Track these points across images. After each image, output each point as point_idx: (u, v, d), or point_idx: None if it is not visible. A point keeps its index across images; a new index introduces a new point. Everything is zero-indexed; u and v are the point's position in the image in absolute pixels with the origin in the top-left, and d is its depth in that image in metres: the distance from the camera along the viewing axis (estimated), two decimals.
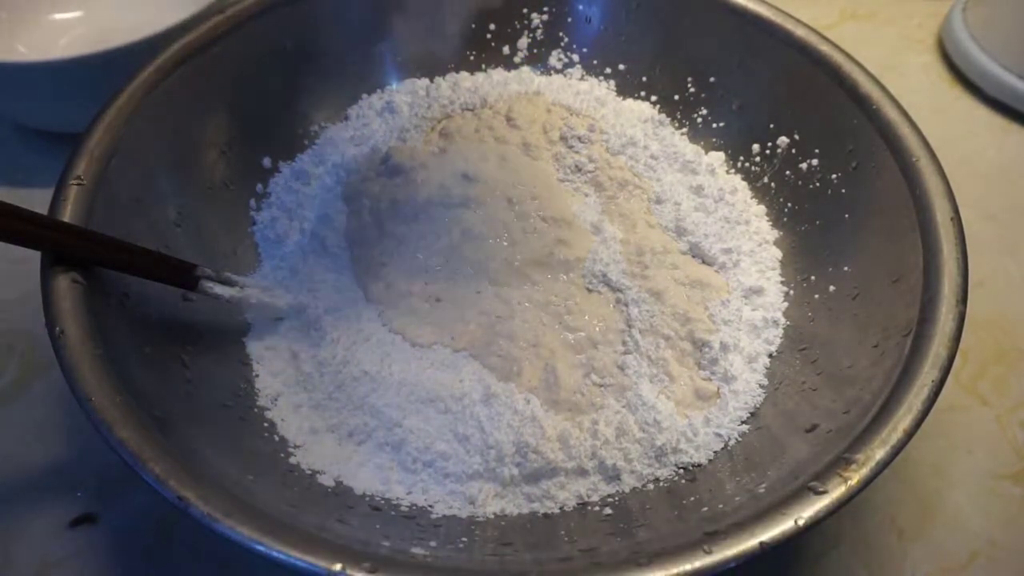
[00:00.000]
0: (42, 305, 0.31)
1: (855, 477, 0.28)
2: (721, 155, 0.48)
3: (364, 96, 0.51)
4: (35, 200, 0.35)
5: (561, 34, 0.53)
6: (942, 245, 0.35)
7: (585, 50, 0.53)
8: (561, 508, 0.35)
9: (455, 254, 0.41)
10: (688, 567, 0.26)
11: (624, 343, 0.39)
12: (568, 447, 0.36)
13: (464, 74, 0.52)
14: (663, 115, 0.51)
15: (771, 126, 0.46)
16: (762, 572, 0.36)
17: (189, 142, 0.43)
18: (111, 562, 0.36)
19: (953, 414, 0.42)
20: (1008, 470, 0.40)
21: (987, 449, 0.41)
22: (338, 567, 0.26)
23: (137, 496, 0.38)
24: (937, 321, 0.33)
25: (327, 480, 0.35)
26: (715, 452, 0.36)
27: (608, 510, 0.34)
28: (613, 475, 0.35)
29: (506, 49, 0.53)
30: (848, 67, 0.42)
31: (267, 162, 0.47)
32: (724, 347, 0.39)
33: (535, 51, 0.53)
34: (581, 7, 0.52)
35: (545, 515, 0.34)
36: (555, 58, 0.53)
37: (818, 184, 0.44)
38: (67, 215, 0.34)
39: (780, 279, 0.43)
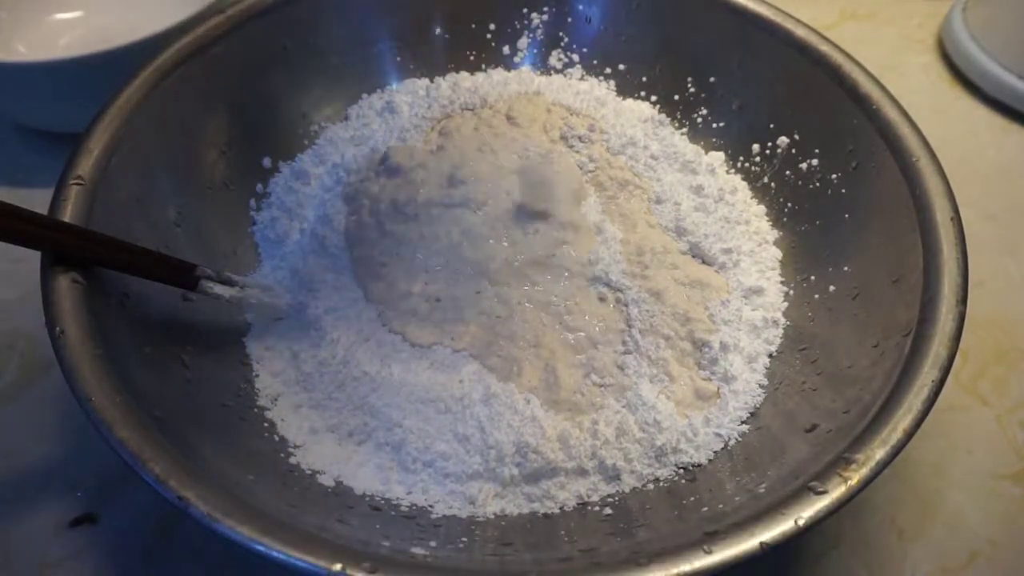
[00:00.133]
0: (42, 305, 0.31)
1: (855, 477, 0.28)
2: (721, 155, 0.48)
3: (364, 96, 0.51)
4: (35, 200, 0.35)
5: (561, 34, 0.53)
6: (942, 245, 0.35)
7: (585, 50, 0.53)
8: (561, 508, 0.35)
9: (455, 254, 0.41)
10: (688, 567, 0.26)
11: (624, 343, 0.39)
12: (568, 447, 0.36)
13: (464, 74, 0.52)
14: (663, 115, 0.51)
15: (771, 126, 0.46)
16: (762, 572, 0.36)
17: (189, 142, 0.43)
18: (111, 562, 0.36)
19: (953, 414, 0.42)
20: (1008, 470, 0.40)
21: (987, 449, 0.41)
22: (338, 567, 0.26)
23: (137, 496, 0.38)
24: (937, 321, 0.33)
25: (327, 480, 0.35)
26: (715, 452, 0.36)
27: (608, 510, 0.34)
28: (613, 475, 0.35)
29: (506, 49, 0.53)
30: (848, 67, 0.43)
31: (267, 162, 0.47)
32: (724, 347, 0.39)
33: (535, 51, 0.53)
34: (581, 7, 0.52)
35: (545, 515, 0.34)
36: (555, 58, 0.53)
37: (818, 184, 0.44)
38: (67, 215, 0.34)
39: (780, 279, 0.43)
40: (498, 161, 0.45)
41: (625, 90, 0.52)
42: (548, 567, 0.28)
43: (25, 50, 0.57)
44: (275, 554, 0.26)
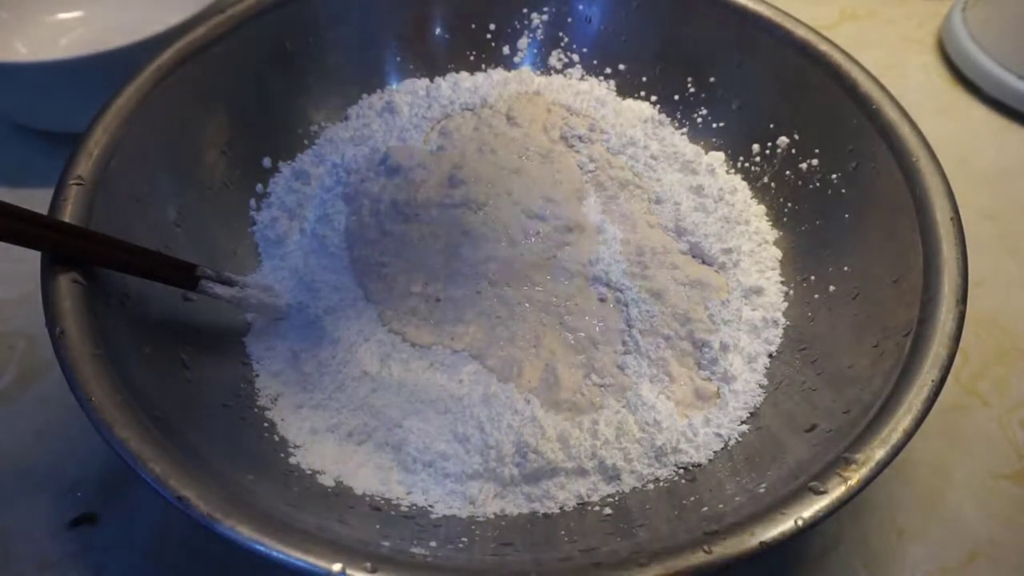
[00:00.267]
0: (42, 305, 0.31)
1: (855, 477, 0.28)
2: (721, 155, 0.48)
3: (364, 96, 0.51)
4: (35, 200, 0.35)
5: (561, 34, 0.53)
6: (942, 245, 0.35)
7: (585, 50, 0.53)
8: (561, 508, 0.35)
9: (455, 254, 0.41)
10: (688, 567, 0.26)
11: (624, 343, 0.39)
12: (568, 447, 0.36)
13: (464, 74, 0.52)
14: (663, 115, 0.51)
15: (771, 126, 0.46)
16: (762, 572, 0.36)
17: (189, 142, 0.43)
18: (111, 562, 0.36)
19: (953, 414, 0.42)
20: (1008, 470, 0.40)
21: (987, 449, 0.41)
22: (338, 567, 0.26)
23: (137, 496, 0.38)
24: (937, 321, 0.33)
25: (327, 480, 0.35)
26: (715, 452, 0.36)
27: (608, 510, 0.34)
28: (613, 475, 0.35)
29: (506, 49, 0.53)
30: (848, 67, 0.43)
31: (267, 162, 0.47)
32: (724, 347, 0.39)
33: (535, 51, 0.53)
34: (581, 7, 0.52)
35: (545, 515, 0.34)
36: (555, 58, 0.53)
37: (818, 184, 0.44)
38: (67, 215, 0.34)
39: (780, 279, 0.43)
40: (498, 161, 0.45)
41: (625, 90, 0.52)
42: (548, 567, 0.28)
43: (25, 50, 0.57)
44: (275, 554, 0.26)
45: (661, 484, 0.35)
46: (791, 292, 0.42)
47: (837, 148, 0.43)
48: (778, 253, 0.44)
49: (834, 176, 0.43)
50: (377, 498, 0.34)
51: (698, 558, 0.26)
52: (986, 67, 0.57)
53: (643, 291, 0.41)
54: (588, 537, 0.32)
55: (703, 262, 0.43)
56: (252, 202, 0.46)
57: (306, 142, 0.49)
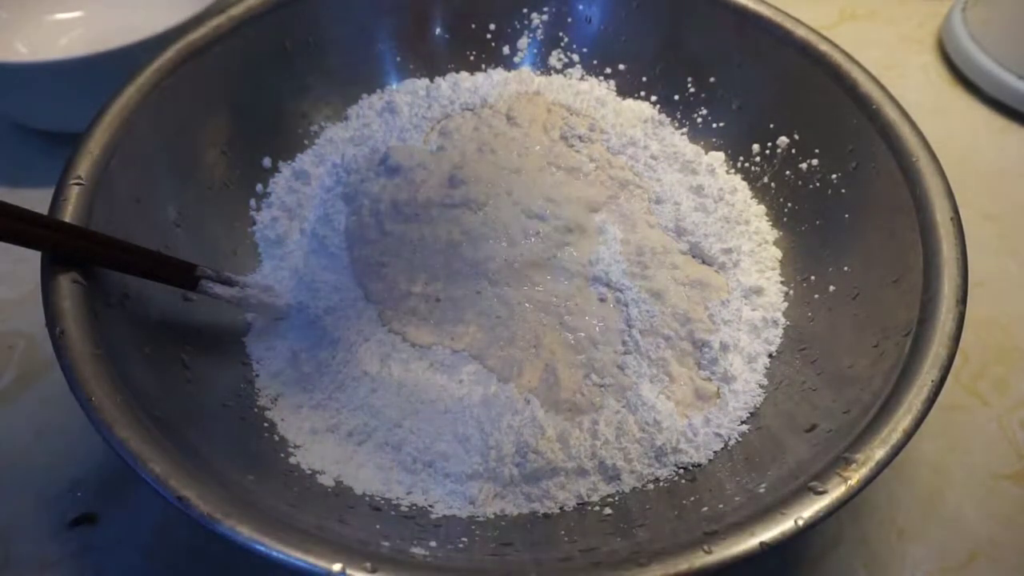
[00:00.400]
0: (42, 305, 0.31)
1: (855, 477, 0.28)
2: (721, 155, 0.48)
3: (364, 96, 0.51)
4: (35, 200, 0.35)
5: (561, 34, 0.53)
6: (942, 245, 0.35)
7: (585, 50, 0.53)
8: (561, 508, 0.35)
9: (455, 254, 0.41)
10: (688, 567, 0.26)
11: (624, 343, 0.39)
12: (568, 447, 0.36)
13: (464, 74, 0.52)
14: (663, 115, 0.51)
15: (771, 126, 0.46)
16: (762, 572, 0.36)
17: (189, 142, 0.43)
18: (111, 562, 0.36)
19: (953, 414, 0.42)
20: (1008, 470, 0.40)
21: (987, 449, 0.41)
22: (338, 567, 0.26)
23: (137, 496, 0.38)
24: (937, 321, 0.33)
25: (327, 480, 0.35)
26: (715, 452, 0.36)
27: (608, 510, 0.34)
28: (613, 475, 0.35)
29: (506, 49, 0.53)
30: (848, 67, 0.43)
31: (267, 162, 0.47)
32: (724, 347, 0.39)
33: (535, 51, 0.53)
34: (581, 7, 0.52)
35: (545, 515, 0.34)
36: (555, 58, 0.53)
37: (818, 184, 0.44)
38: (67, 215, 0.34)
39: (780, 279, 0.43)
40: (498, 161, 0.45)
41: (625, 90, 0.52)
42: (548, 567, 0.28)
43: (25, 50, 0.57)
44: (275, 554, 0.26)
45: (661, 484, 0.35)
46: (791, 292, 0.42)
47: (837, 148, 0.43)
48: (778, 253, 0.44)
49: (834, 176, 0.43)
50: (377, 498, 0.34)
51: (698, 558, 0.26)
52: (986, 67, 0.57)
53: (643, 291, 0.41)
54: (588, 537, 0.32)
55: (703, 262, 0.43)
56: (252, 202, 0.46)
57: (306, 142, 0.49)
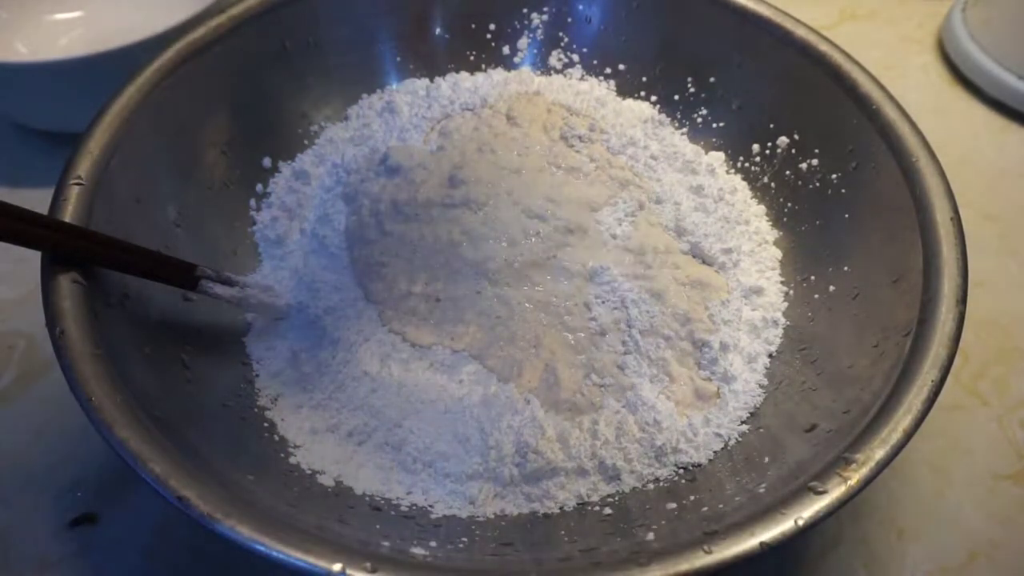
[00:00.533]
0: (42, 305, 0.31)
1: (855, 477, 0.28)
2: (721, 155, 0.48)
3: (364, 96, 0.51)
4: (35, 200, 0.35)
5: (561, 34, 0.53)
6: (942, 245, 0.35)
7: (585, 50, 0.53)
8: (561, 508, 0.35)
9: (455, 254, 0.41)
10: (688, 567, 0.26)
11: (624, 343, 0.39)
12: (568, 447, 0.36)
13: (464, 74, 0.52)
14: (663, 115, 0.51)
15: (771, 126, 0.46)
16: (762, 572, 0.36)
17: (189, 142, 0.43)
18: (111, 562, 0.36)
19: (953, 414, 0.42)
20: (1008, 470, 0.40)
21: (987, 449, 0.41)
22: (338, 567, 0.26)
23: (137, 496, 0.38)
24: (937, 321, 0.33)
25: (327, 480, 0.35)
26: (715, 452, 0.36)
27: (608, 510, 0.34)
28: (613, 475, 0.35)
29: (506, 49, 0.53)
30: (848, 67, 0.43)
31: (267, 162, 0.47)
32: (724, 347, 0.39)
33: (535, 51, 0.53)
34: (581, 7, 0.52)
35: (545, 515, 0.34)
36: (555, 58, 0.53)
37: (818, 184, 0.44)
38: (67, 215, 0.34)
39: (780, 279, 0.43)
40: (498, 161, 0.45)
41: (625, 90, 0.52)
42: (548, 567, 0.29)
43: (25, 50, 0.57)
44: (275, 554, 0.26)
45: (661, 484, 0.35)
46: (791, 292, 0.42)
47: (837, 148, 0.43)
48: (778, 253, 0.44)
49: (834, 176, 0.43)
50: (377, 498, 0.34)
51: (698, 558, 0.26)
52: (986, 67, 0.57)
53: (643, 291, 0.41)
54: (588, 537, 0.32)
55: (703, 262, 0.43)
56: (252, 202, 0.46)
57: (306, 142, 0.49)
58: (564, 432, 0.36)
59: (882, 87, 0.41)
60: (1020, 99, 0.56)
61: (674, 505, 0.33)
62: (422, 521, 0.33)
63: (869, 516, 0.38)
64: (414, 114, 0.50)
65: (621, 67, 0.52)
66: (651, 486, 0.35)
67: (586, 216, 0.44)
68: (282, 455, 0.35)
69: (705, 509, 0.32)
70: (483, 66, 0.53)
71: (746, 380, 0.39)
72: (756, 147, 0.47)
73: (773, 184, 0.46)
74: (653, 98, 0.51)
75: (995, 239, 0.50)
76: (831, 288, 0.40)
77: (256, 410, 0.37)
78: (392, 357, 0.39)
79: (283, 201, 0.46)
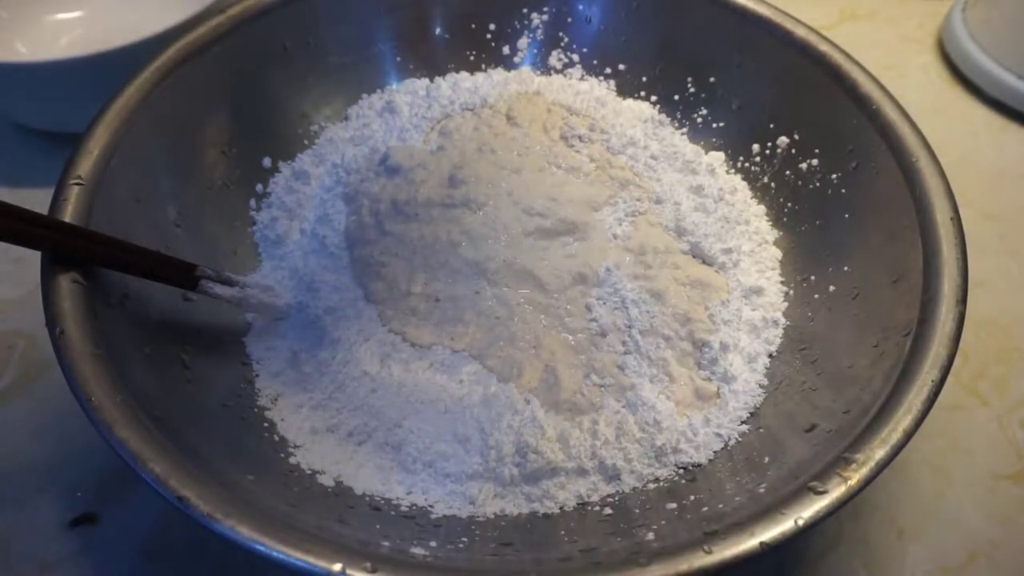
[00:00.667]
0: (42, 305, 0.31)
1: (855, 477, 0.28)
2: (721, 155, 0.48)
3: (364, 96, 0.51)
4: (35, 200, 0.35)
5: (561, 34, 0.53)
6: (942, 245, 0.35)
7: (585, 50, 0.53)
8: (561, 508, 0.35)
9: (455, 254, 0.41)
10: (688, 567, 0.26)
11: (624, 343, 0.39)
12: (568, 447, 0.36)
13: (464, 74, 0.52)
14: (663, 115, 0.51)
15: (771, 126, 0.46)
16: (762, 572, 0.36)
17: (189, 142, 0.43)
18: (111, 562, 0.36)
19: (953, 414, 0.42)
20: (1008, 470, 0.40)
21: (987, 449, 0.41)
22: (338, 567, 0.26)
23: (137, 496, 0.38)
24: (937, 321, 0.33)
25: (327, 480, 0.35)
26: (715, 452, 0.36)
27: (608, 510, 0.34)
28: (613, 475, 0.35)
29: (506, 49, 0.53)
30: (848, 67, 0.43)
31: (267, 162, 0.47)
32: (724, 347, 0.39)
33: (535, 51, 0.53)
34: (581, 7, 0.52)
35: (545, 515, 0.34)
36: (555, 58, 0.53)
37: (818, 184, 0.44)
38: (67, 215, 0.34)
39: (780, 279, 0.43)
40: (498, 161, 0.45)
41: (625, 90, 0.52)
42: (548, 567, 0.29)
43: (25, 50, 0.57)
44: (275, 554, 0.26)
45: (661, 484, 0.35)
46: (791, 292, 0.42)
47: (837, 148, 0.43)
48: (778, 253, 0.44)
49: (834, 176, 0.43)
50: (377, 498, 0.34)
51: (698, 558, 0.26)
52: (986, 67, 0.57)
53: (643, 291, 0.41)
54: (588, 537, 0.32)
55: (703, 262, 0.43)
56: (252, 202, 0.46)
57: (306, 142, 0.49)
58: (564, 432, 0.36)
59: (882, 87, 0.41)
60: (1020, 99, 0.56)
61: (674, 505, 0.33)
62: (422, 521, 0.33)
63: (869, 516, 0.38)
64: (414, 114, 0.50)
65: (621, 67, 0.52)
66: (651, 486, 0.35)
67: (586, 216, 0.44)
68: (282, 455, 0.35)
69: (705, 509, 0.32)
70: (483, 66, 0.53)
71: (746, 380, 0.39)
72: (756, 147, 0.47)
73: (773, 184, 0.46)
74: (653, 98, 0.51)
75: (995, 239, 0.50)
76: (831, 288, 0.40)
77: (256, 410, 0.37)
78: (392, 357, 0.39)
79: (283, 201, 0.46)
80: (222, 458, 0.32)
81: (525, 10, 0.52)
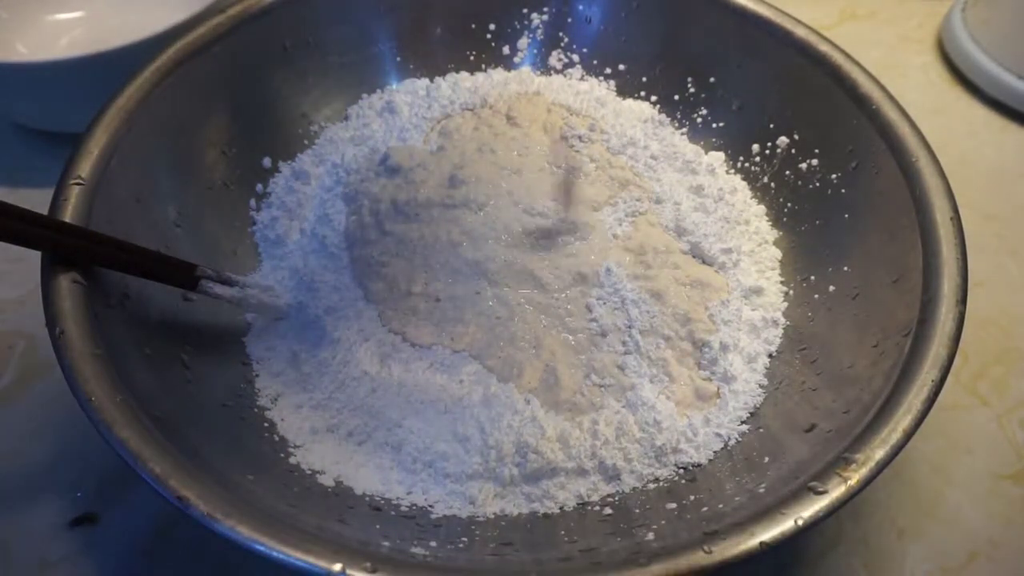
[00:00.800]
0: (42, 305, 0.31)
1: (855, 477, 0.28)
2: (721, 155, 0.48)
3: (364, 96, 0.51)
4: (35, 200, 0.35)
5: (561, 34, 0.53)
6: (942, 245, 0.35)
7: (585, 50, 0.53)
8: (561, 508, 0.35)
9: (455, 254, 0.41)
10: (688, 567, 0.26)
11: (624, 343, 0.39)
12: (568, 447, 0.36)
13: (464, 74, 0.52)
14: (663, 115, 0.51)
15: (771, 126, 0.46)
16: (762, 572, 0.36)
17: (189, 142, 0.43)
18: (111, 562, 0.36)
19: (953, 414, 0.42)
20: (1008, 470, 0.40)
21: (987, 449, 0.41)
22: (338, 567, 0.26)
23: (137, 496, 0.38)
24: (937, 321, 0.33)
25: (327, 480, 0.35)
26: (715, 452, 0.36)
27: (608, 510, 0.34)
28: (613, 475, 0.35)
29: (506, 49, 0.53)
30: (848, 67, 0.43)
31: (267, 162, 0.47)
32: (724, 347, 0.39)
33: (535, 51, 0.53)
34: (581, 7, 0.52)
35: (545, 515, 0.34)
36: (555, 58, 0.53)
37: (818, 184, 0.44)
38: (67, 215, 0.34)
39: (780, 279, 0.43)
40: (498, 161, 0.45)
41: (625, 90, 0.52)
42: (548, 567, 0.29)
43: (25, 50, 0.57)
44: (275, 554, 0.26)
45: (661, 484, 0.35)
46: (791, 292, 0.42)
47: (837, 148, 0.43)
48: (778, 253, 0.44)
49: (834, 176, 0.43)
50: (377, 498, 0.34)
51: (698, 558, 0.26)
52: (986, 67, 0.57)
53: (643, 291, 0.41)
54: (588, 537, 0.32)
55: (703, 262, 0.43)
56: (252, 202, 0.46)
57: (306, 142, 0.49)
58: (564, 432, 0.36)
59: (882, 87, 0.41)
60: (1020, 99, 0.56)
61: (674, 505, 0.33)
62: (422, 521, 0.33)
63: (869, 516, 0.38)
64: (414, 114, 0.50)
65: (621, 67, 0.52)
66: (651, 486, 0.35)
67: (586, 216, 0.44)
68: (282, 455, 0.35)
69: (705, 509, 0.32)
70: (483, 66, 0.53)
71: (746, 380, 0.39)
72: (756, 147, 0.47)
73: (773, 184, 0.46)
74: (653, 98, 0.51)
75: (995, 239, 0.50)
76: (831, 288, 0.40)
77: (256, 410, 0.37)
78: (392, 357, 0.39)
79: (283, 201, 0.46)
80: (222, 458, 0.32)
81: (525, 10, 0.52)
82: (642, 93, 0.51)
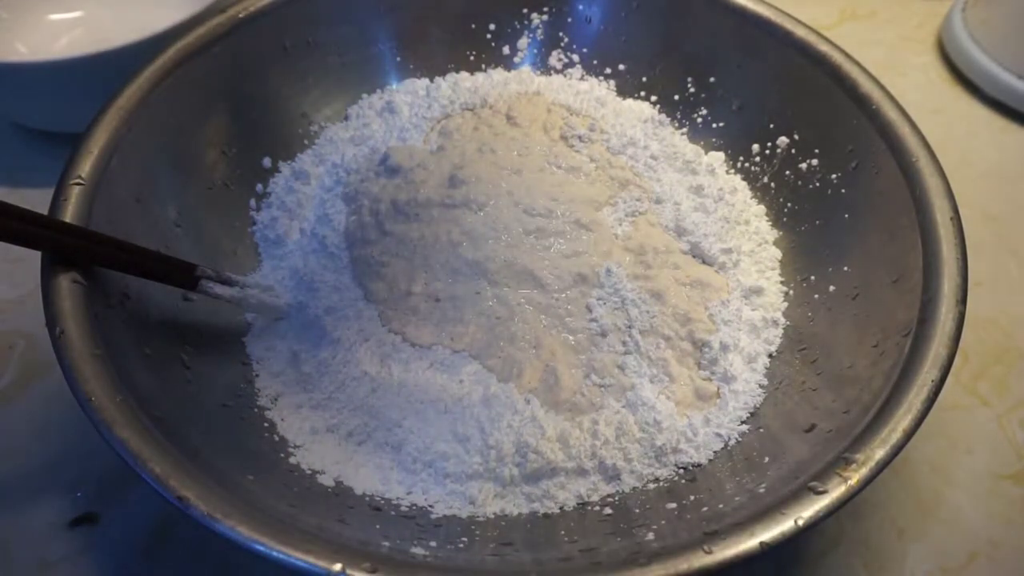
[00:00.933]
0: (42, 305, 0.31)
1: (855, 477, 0.28)
2: (721, 155, 0.48)
3: (364, 96, 0.51)
4: (35, 200, 0.35)
5: (561, 34, 0.53)
6: (942, 245, 0.35)
7: (585, 50, 0.53)
8: (561, 508, 0.35)
9: (455, 254, 0.41)
10: (688, 567, 0.26)
11: (624, 343, 0.39)
12: (568, 447, 0.36)
13: (464, 74, 0.52)
14: (663, 115, 0.51)
15: (771, 126, 0.46)
16: (762, 572, 0.36)
17: (189, 142, 0.43)
18: (111, 562, 0.36)
19: (953, 414, 0.42)
20: (1008, 470, 0.40)
21: (987, 449, 0.41)
22: (338, 567, 0.26)
23: (137, 496, 0.38)
24: (937, 321, 0.33)
25: (327, 480, 0.35)
26: (715, 452, 0.36)
27: (608, 510, 0.34)
28: (613, 475, 0.35)
29: (506, 49, 0.53)
30: (848, 67, 0.43)
31: (267, 162, 0.47)
32: (724, 347, 0.39)
33: (535, 51, 0.53)
34: (581, 7, 0.52)
35: (545, 515, 0.34)
36: (555, 58, 0.53)
37: (818, 184, 0.44)
38: (67, 215, 0.34)
39: (780, 279, 0.43)
40: (498, 161, 0.45)
41: (625, 90, 0.52)
42: (548, 567, 0.29)
43: (25, 50, 0.57)
44: (275, 554, 0.26)
45: (661, 484, 0.35)
46: (791, 292, 0.42)
47: (837, 148, 0.43)
48: (778, 253, 0.44)
49: (834, 176, 0.43)
50: (377, 498, 0.34)
51: (698, 558, 0.26)
52: (986, 67, 0.57)
53: (643, 291, 0.41)
54: (588, 537, 0.32)
55: (703, 262, 0.43)
56: (252, 202, 0.46)
57: (306, 142, 0.49)
58: (564, 432, 0.36)
59: (882, 87, 0.41)
60: (1020, 99, 0.56)
61: (674, 505, 0.33)
62: (422, 521, 0.33)
63: (869, 516, 0.38)
64: (414, 114, 0.50)
65: (621, 67, 0.52)
66: (651, 486, 0.35)
67: (586, 216, 0.44)
68: (282, 455, 0.35)
69: (705, 509, 0.32)
70: (483, 66, 0.53)
71: (746, 380, 0.39)
72: (756, 147, 0.47)
73: (773, 184, 0.46)
74: (653, 98, 0.51)
75: (995, 239, 0.50)
76: (831, 288, 0.40)
77: (256, 410, 0.37)
78: (392, 357, 0.39)
79: (283, 201, 0.46)
80: (222, 458, 0.32)
81: (525, 10, 0.52)
82: (642, 93, 0.52)
